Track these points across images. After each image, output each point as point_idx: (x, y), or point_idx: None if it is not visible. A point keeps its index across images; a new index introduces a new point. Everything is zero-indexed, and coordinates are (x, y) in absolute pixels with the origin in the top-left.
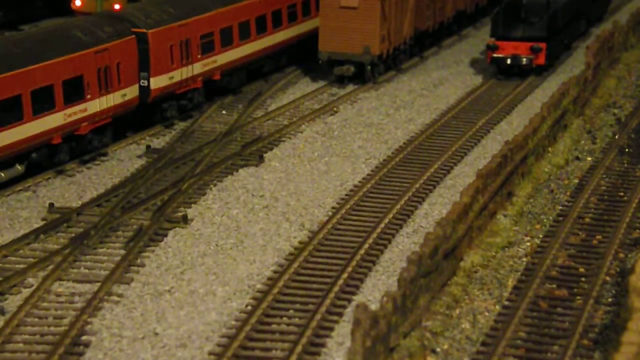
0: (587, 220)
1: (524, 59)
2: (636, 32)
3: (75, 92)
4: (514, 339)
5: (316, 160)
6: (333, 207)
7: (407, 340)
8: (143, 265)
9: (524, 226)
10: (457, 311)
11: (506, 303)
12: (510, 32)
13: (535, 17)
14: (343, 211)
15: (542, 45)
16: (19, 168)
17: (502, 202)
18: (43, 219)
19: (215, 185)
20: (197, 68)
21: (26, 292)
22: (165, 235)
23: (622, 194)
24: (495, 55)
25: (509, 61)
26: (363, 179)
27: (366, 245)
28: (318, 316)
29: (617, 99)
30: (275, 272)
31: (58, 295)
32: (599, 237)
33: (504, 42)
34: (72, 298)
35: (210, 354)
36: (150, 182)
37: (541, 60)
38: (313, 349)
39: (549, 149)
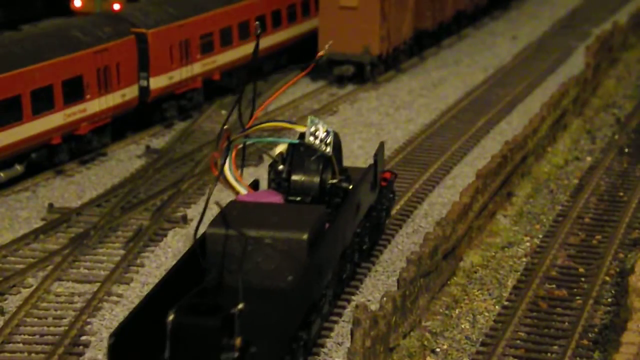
0: (587, 220)
1: None
2: (636, 32)
3: (74, 92)
4: (513, 339)
5: None
6: None
7: (406, 340)
8: (143, 266)
9: (524, 226)
10: (457, 311)
11: (506, 303)
12: None
13: None
14: None
15: None
16: (19, 168)
17: (501, 202)
18: (42, 219)
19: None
20: (197, 68)
21: (26, 292)
22: (165, 236)
23: (621, 194)
24: None
25: None
26: None
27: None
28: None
29: (616, 99)
30: None
31: (58, 295)
32: (598, 237)
33: None
34: (71, 298)
35: None
36: (150, 182)
37: None
38: (313, 349)
39: (549, 149)
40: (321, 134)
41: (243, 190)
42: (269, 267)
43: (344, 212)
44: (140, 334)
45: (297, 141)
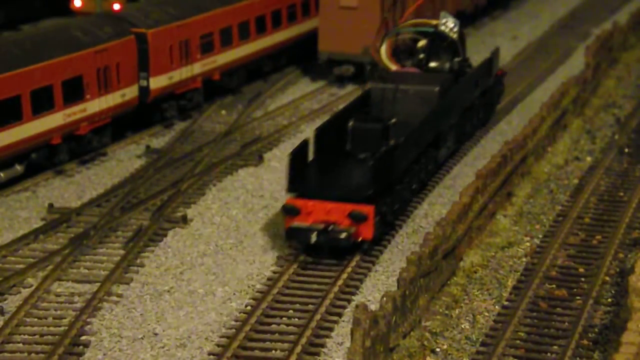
0: (587, 220)
1: (342, 234)
2: (636, 32)
3: (74, 92)
4: (513, 339)
5: None
6: None
7: (406, 340)
8: (142, 266)
9: (524, 226)
10: (457, 311)
11: (506, 303)
12: (319, 185)
13: (364, 156)
14: None
15: (367, 209)
16: (19, 168)
17: (501, 202)
18: (42, 219)
19: (214, 185)
20: (197, 68)
21: (26, 292)
22: (165, 236)
23: (621, 194)
24: (294, 225)
25: (314, 237)
26: None
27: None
28: (318, 316)
29: (616, 99)
30: (274, 272)
31: (57, 295)
32: (598, 237)
33: (309, 202)
34: (71, 298)
35: (209, 354)
36: (150, 182)
37: (367, 233)
38: (312, 349)
39: (549, 149)
40: (450, 24)
41: (393, 67)
42: (412, 109)
43: (465, 80)
44: (330, 133)
45: (432, 29)
